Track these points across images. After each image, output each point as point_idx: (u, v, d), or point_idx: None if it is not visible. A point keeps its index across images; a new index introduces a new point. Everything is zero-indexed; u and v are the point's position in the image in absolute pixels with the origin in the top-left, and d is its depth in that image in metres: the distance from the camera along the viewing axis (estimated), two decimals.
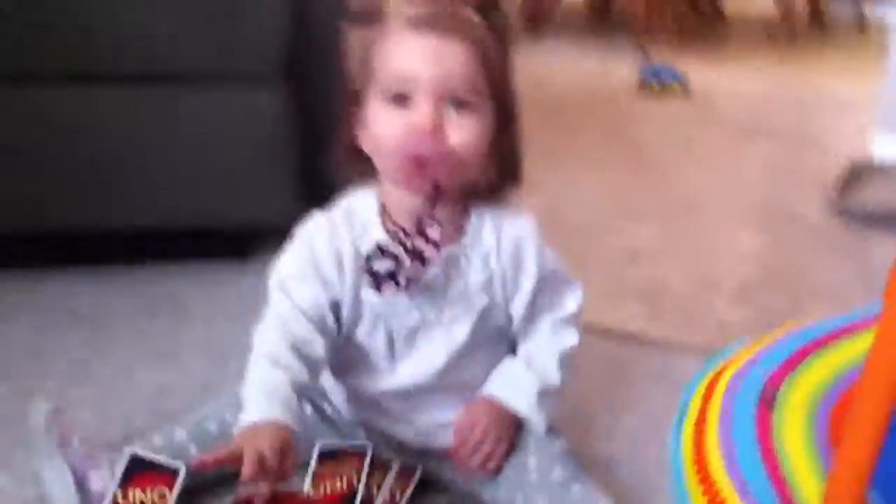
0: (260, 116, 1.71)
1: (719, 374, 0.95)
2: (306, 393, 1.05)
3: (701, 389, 0.93)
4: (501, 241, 1.09)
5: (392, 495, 1.13)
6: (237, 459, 0.94)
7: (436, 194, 1.00)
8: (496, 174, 1.07)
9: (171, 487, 1.08)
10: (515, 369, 1.13)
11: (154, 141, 1.68)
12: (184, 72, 1.65)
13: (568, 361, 1.13)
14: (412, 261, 1.01)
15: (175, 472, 1.08)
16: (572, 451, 1.14)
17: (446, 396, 1.14)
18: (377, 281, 1.02)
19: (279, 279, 1.09)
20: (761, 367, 0.93)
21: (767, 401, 0.87)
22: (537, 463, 1.10)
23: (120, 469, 1.07)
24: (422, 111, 0.98)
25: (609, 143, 2.85)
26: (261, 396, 1.01)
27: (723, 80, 3.84)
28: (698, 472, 0.79)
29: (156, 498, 1.07)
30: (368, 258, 1.02)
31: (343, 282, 1.07)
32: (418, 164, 0.98)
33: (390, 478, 1.14)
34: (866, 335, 0.62)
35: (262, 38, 1.65)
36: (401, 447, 1.17)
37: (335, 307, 1.08)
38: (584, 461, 1.16)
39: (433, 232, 1.01)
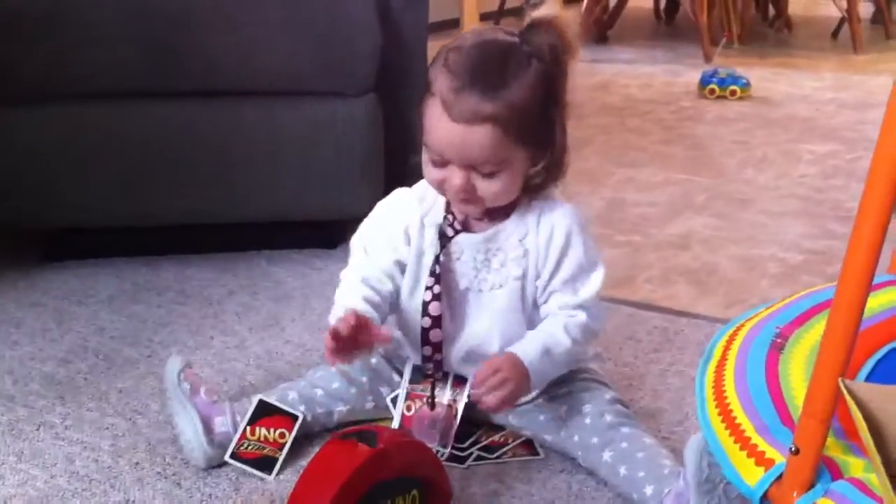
0: (352, 125, 1.93)
1: (741, 326, 1.13)
2: (381, 311, 1.28)
3: (724, 338, 1.11)
4: (540, 224, 1.28)
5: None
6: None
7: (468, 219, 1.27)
8: (544, 176, 1.26)
9: (289, 429, 1.30)
10: (530, 333, 1.30)
11: (262, 146, 1.92)
12: (291, 89, 1.91)
13: (575, 331, 1.27)
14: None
15: (294, 418, 1.31)
16: (623, 400, 1.33)
17: (489, 356, 1.31)
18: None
19: (359, 239, 1.35)
20: (776, 321, 1.11)
21: (778, 347, 1.05)
22: (591, 409, 1.29)
23: (250, 410, 1.29)
24: (454, 176, 1.21)
25: (672, 143, 3.01)
26: (340, 305, 1.26)
27: (785, 83, 3.96)
28: (716, 398, 0.98)
29: (276, 436, 1.29)
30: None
31: (408, 248, 1.30)
32: (457, 204, 1.25)
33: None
34: (874, 296, 0.76)
35: (359, 61, 1.89)
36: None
37: (401, 266, 1.31)
38: (635, 412, 1.36)
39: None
